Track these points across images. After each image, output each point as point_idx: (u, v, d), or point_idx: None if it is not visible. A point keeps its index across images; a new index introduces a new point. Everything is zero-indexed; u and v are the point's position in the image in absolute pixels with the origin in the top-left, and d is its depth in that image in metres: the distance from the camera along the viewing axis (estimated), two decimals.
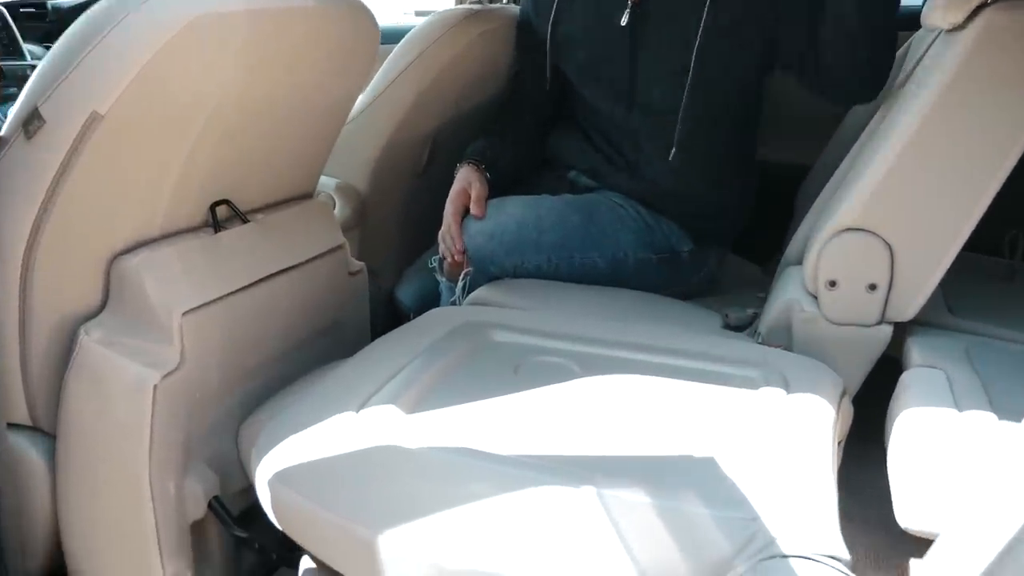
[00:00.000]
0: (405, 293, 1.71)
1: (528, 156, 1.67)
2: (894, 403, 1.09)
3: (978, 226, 1.13)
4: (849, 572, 0.73)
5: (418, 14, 2.73)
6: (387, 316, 1.71)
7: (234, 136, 1.05)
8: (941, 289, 1.28)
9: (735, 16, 1.43)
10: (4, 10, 2.21)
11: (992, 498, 0.57)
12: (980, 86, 1.07)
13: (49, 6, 2.90)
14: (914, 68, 1.25)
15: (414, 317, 1.60)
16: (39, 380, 1.01)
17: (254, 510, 1.12)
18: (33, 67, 1.05)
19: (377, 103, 1.61)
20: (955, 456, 0.95)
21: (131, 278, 0.98)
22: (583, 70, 1.59)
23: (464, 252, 1.46)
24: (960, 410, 1.00)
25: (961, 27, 1.08)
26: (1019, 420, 0.92)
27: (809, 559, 0.73)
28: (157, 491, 0.99)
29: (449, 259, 1.49)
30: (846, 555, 0.76)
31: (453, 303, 1.49)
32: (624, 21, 1.49)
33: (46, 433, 1.03)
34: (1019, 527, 0.51)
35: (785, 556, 0.74)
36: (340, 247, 1.32)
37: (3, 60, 2.10)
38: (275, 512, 0.90)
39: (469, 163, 1.54)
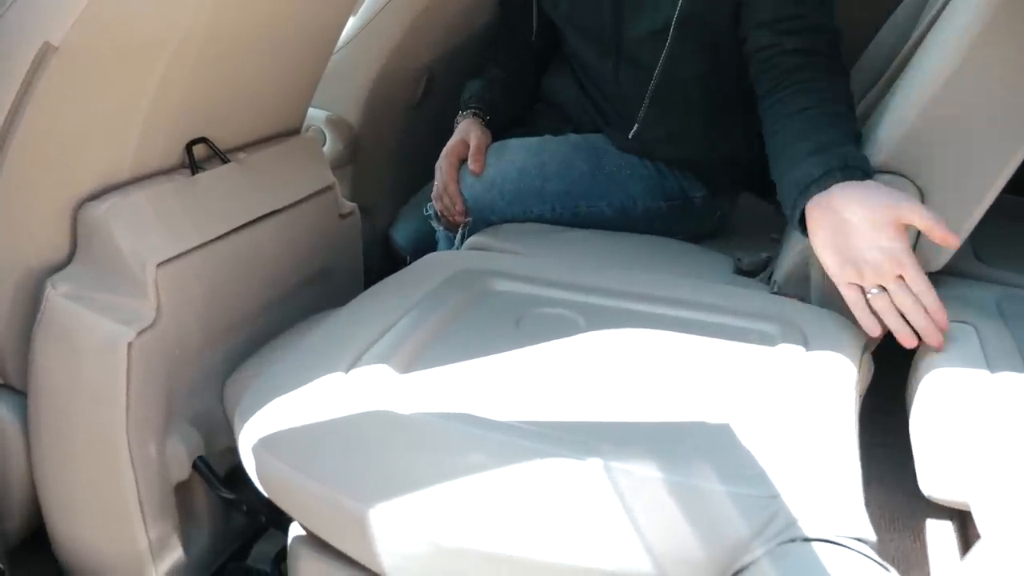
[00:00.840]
0: (401, 233, 1.63)
1: (527, 94, 1.56)
2: (919, 360, 1.02)
3: None
4: (876, 556, 0.68)
5: None
6: (382, 258, 1.64)
7: (208, 66, 0.95)
8: (970, 234, 1.21)
9: None
10: None
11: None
12: (1004, 36, 0.96)
13: None
14: (931, 23, 1.14)
15: (411, 259, 1.53)
16: (5, 335, 0.94)
17: (241, 470, 1.07)
18: None
19: (368, 29, 1.50)
20: (985, 420, 0.89)
21: (99, 226, 0.91)
22: (568, 20, 1.45)
23: (464, 205, 1.38)
24: (992, 371, 0.93)
25: None
26: None
27: (833, 543, 0.68)
28: (136, 453, 0.94)
29: (448, 217, 1.41)
30: (872, 536, 0.70)
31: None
32: None
33: (16, 391, 0.97)
34: None
35: (807, 539, 0.68)
36: (330, 187, 1.23)
37: None
38: (260, 479, 0.85)
39: (469, 112, 1.45)
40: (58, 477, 0.96)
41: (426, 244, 1.55)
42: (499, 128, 1.46)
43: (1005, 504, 0.76)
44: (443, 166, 1.40)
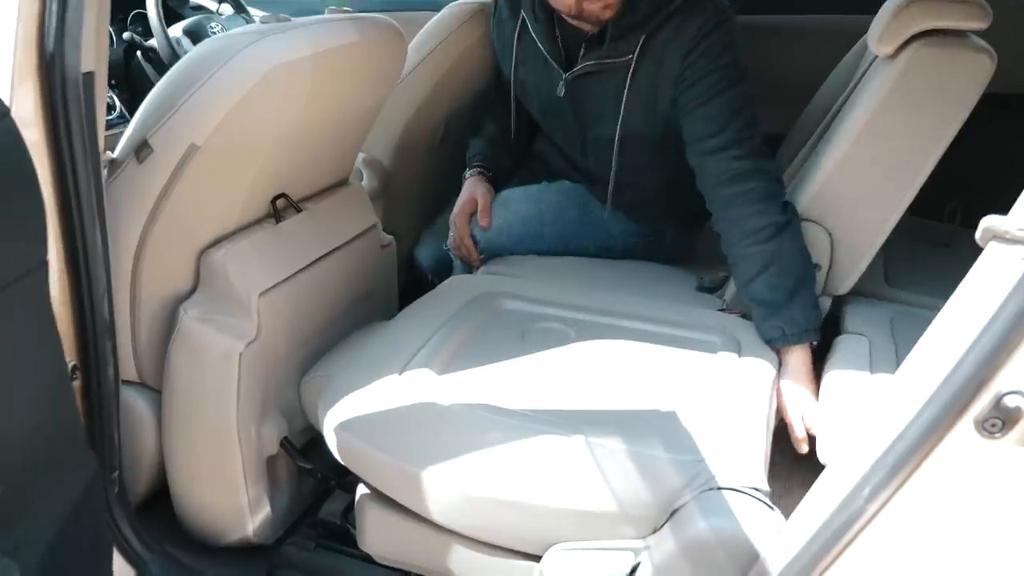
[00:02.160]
0: (423, 254, 1.95)
1: (523, 149, 1.87)
2: (826, 362, 1.36)
3: (926, 195, 1.37)
4: (765, 499, 1.01)
5: None
6: (407, 274, 1.96)
7: (293, 147, 1.28)
8: (883, 255, 1.53)
9: (650, 92, 1.53)
10: None
11: (841, 461, 0.84)
12: (905, 105, 1.29)
13: None
14: (858, 81, 1.47)
15: (431, 276, 1.87)
16: (146, 347, 1.27)
17: (312, 445, 1.41)
18: None
19: (400, 89, 1.82)
20: (860, 406, 1.23)
21: (217, 268, 1.23)
22: (541, 118, 1.76)
23: (477, 252, 1.70)
24: (872, 372, 1.27)
25: (893, 56, 1.30)
26: None
27: (737, 490, 1.01)
28: (242, 435, 1.27)
29: (465, 261, 1.72)
30: (766, 487, 1.04)
31: None
32: (561, 93, 1.62)
33: (151, 388, 1.30)
34: (854, 481, 0.78)
35: (720, 488, 1.02)
36: (374, 226, 1.56)
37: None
38: (340, 452, 1.18)
39: (475, 170, 1.76)
40: (184, 452, 1.29)
41: (444, 265, 1.88)
42: (501, 180, 1.78)
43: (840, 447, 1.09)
44: (457, 222, 1.72)
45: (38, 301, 0.89)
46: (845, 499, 0.79)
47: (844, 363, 1.30)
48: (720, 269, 1.71)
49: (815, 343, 1.35)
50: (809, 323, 1.34)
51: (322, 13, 2.55)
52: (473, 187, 1.75)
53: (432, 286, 1.83)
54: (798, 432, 1.28)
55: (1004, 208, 1.63)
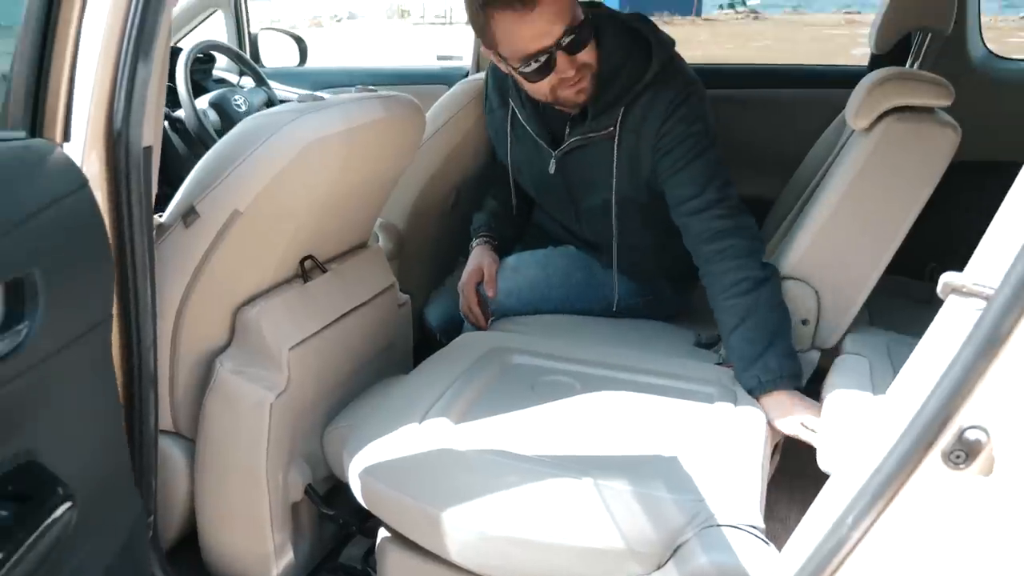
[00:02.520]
0: (432, 314, 2.05)
1: (523, 221, 1.99)
2: (827, 379, 1.44)
3: (906, 257, 1.48)
4: (761, 535, 1.10)
5: (440, 58, 3.10)
6: (417, 331, 2.06)
7: (324, 214, 1.40)
8: (868, 310, 1.64)
9: (633, 161, 1.64)
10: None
11: (828, 494, 0.93)
12: (881, 173, 1.42)
13: None
14: (838, 152, 1.60)
15: (439, 334, 1.97)
16: (182, 398, 1.36)
17: (333, 493, 1.49)
18: None
19: (415, 158, 1.95)
20: (859, 419, 1.31)
21: (252, 324, 1.34)
22: (535, 194, 1.89)
23: (485, 320, 1.81)
24: (874, 393, 1.36)
25: (868, 130, 1.43)
26: None
27: (735, 527, 1.10)
28: (271, 481, 1.35)
29: (476, 325, 1.83)
30: (761, 524, 1.12)
31: None
32: (552, 170, 1.73)
33: (185, 437, 1.39)
34: (840, 510, 0.87)
35: (720, 525, 1.10)
36: (392, 286, 1.67)
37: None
38: (364, 497, 1.26)
39: (481, 239, 1.88)
40: (215, 498, 1.37)
41: (452, 324, 1.98)
42: (505, 248, 1.90)
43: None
44: (465, 291, 1.83)
45: (103, 350, 0.99)
46: (832, 528, 0.87)
47: (845, 378, 1.40)
48: (716, 327, 1.82)
49: (798, 388, 1.44)
50: (783, 371, 1.42)
51: (333, 86, 2.73)
52: (480, 256, 1.87)
53: (440, 344, 1.94)
54: (807, 439, 1.36)
55: None
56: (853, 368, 1.45)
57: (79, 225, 0.91)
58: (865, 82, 1.44)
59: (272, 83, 2.60)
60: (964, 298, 0.84)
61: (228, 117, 2.35)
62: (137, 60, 1.05)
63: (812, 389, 1.58)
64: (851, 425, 1.30)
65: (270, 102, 2.56)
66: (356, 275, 1.58)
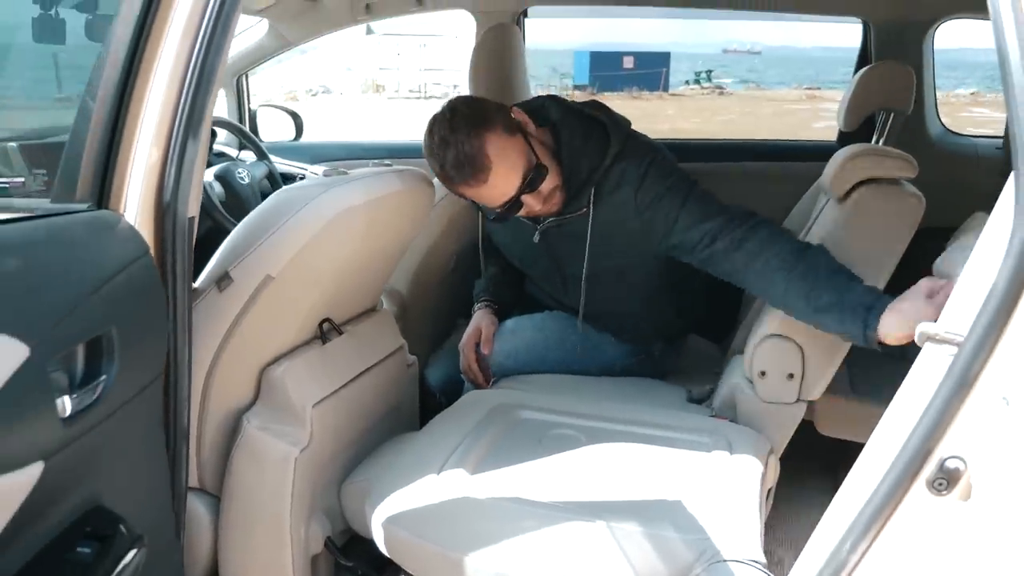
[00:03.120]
0: (432, 375, 2.13)
1: (520, 285, 2.11)
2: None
3: None
4: (764, 569, 1.18)
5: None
6: (419, 392, 2.14)
7: (344, 279, 1.50)
8: (848, 366, 1.76)
9: (608, 231, 1.72)
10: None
11: (825, 524, 1.02)
12: (856, 239, 1.56)
13: None
14: (815, 219, 1.74)
15: (439, 395, 2.05)
16: (209, 455, 1.43)
17: (349, 545, 1.55)
18: None
19: None
20: None
21: (277, 383, 1.42)
22: (521, 265, 2.00)
23: (484, 378, 1.91)
24: None
25: (843, 199, 1.58)
26: None
27: (740, 562, 1.19)
28: (294, 534, 1.42)
29: (476, 384, 1.92)
30: (763, 559, 1.21)
31: None
32: (536, 239, 1.83)
33: (210, 493, 1.45)
34: (838, 538, 0.96)
35: (725, 560, 1.19)
36: (401, 347, 1.76)
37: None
38: (386, 545, 1.33)
39: (481, 303, 1.99)
40: (239, 551, 1.43)
41: (452, 385, 2.06)
42: (505, 311, 2.01)
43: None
44: (465, 351, 1.93)
45: (156, 405, 1.07)
46: (832, 552, 0.97)
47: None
48: (706, 382, 1.93)
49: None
50: (872, 299, 1.40)
51: (332, 159, 2.86)
52: (479, 319, 1.97)
53: (440, 403, 2.03)
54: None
55: None
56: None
57: (144, 288, 1.00)
58: (839, 156, 1.59)
59: (272, 157, 2.72)
60: (938, 345, 0.96)
61: (232, 189, 2.46)
62: (187, 138, 1.16)
63: (808, 440, 1.69)
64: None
65: (271, 175, 2.68)
66: (369, 337, 1.67)
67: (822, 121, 16.63)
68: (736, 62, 56.98)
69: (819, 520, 1.53)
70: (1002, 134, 2.00)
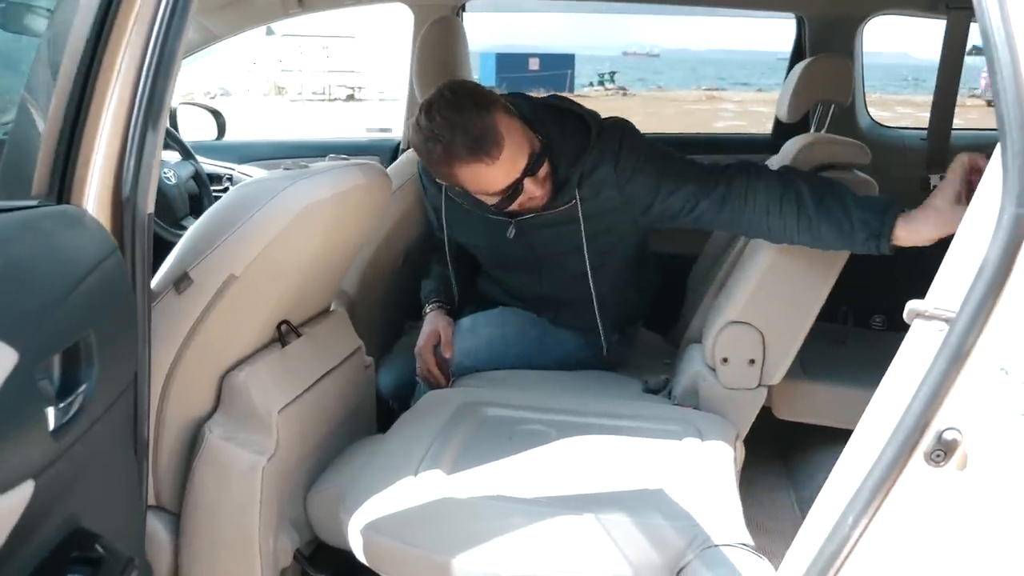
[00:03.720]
0: (383, 379, 2.06)
1: (470, 283, 2.06)
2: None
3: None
4: (754, 551, 1.19)
5: (369, 130, 3.18)
6: None
7: (307, 277, 1.43)
8: (798, 353, 1.81)
9: (599, 217, 1.72)
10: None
11: (825, 499, 1.04)
12: None
13: None
14: None
15: (391, 400, 2.00)
16: (166, 469, 1.34)
17: (315, 556, 1.49)
18: None
19: None
20: None
21: (240, 389, 1.34)
22: (491, 265, 1.96)
23: (445, 380, 1.86)
24: None
25: None
26: None
27: (730, 545, 1.19)
28: (263, 547, 1.34)
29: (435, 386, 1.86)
30: (751, 541, 1.22)
31: None
32: (511, 235, 1.79)
33: (167, 511, 1.36)
34: (839, 512, 0.98)
35: (717, 545, 1.19)
36: (359, 349, 1.70)
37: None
38: (366, 553, 1.28)
39: (433, 305, 1.94)
40: (204, 569, 1.34)
41: (403, 388, 2.01)
42: (457, 312, 1.96)
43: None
44: (423, 355, 1.86)
45: (128, 414, 0.99)
46: (834, 528, 0.98)
47: None
48: (658, 373, 1.95)
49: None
50: (880, 210, 1.42)
51: (260, 159, 2.76)
52: (434, 321, 1.91)
53: (392, 409, 1.97)
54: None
55: (882, 308, 2.03)
56: None
57: (115, 289, 0.93)
58: (793, 146, 1.63)
59: (200, 157, 2.60)
60: (927, 321, 0.98)
61: (158, 190, 2.33)
62: (147, 128, 1.08)
63: (761, 424, 1.72)
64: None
65: (197, 175, 2.55)
66: (327, 339, 1.61)
67: (722, 121, 17.26)
68: (636, 65, 58.37)
69: (779, 502, 1.58)
70: (925, 127, 2.10)
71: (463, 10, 2.54)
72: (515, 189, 1.64)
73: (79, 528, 0.84)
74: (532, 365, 1.91)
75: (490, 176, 1.61)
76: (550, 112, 1.74)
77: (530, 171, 1.63)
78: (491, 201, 1.68)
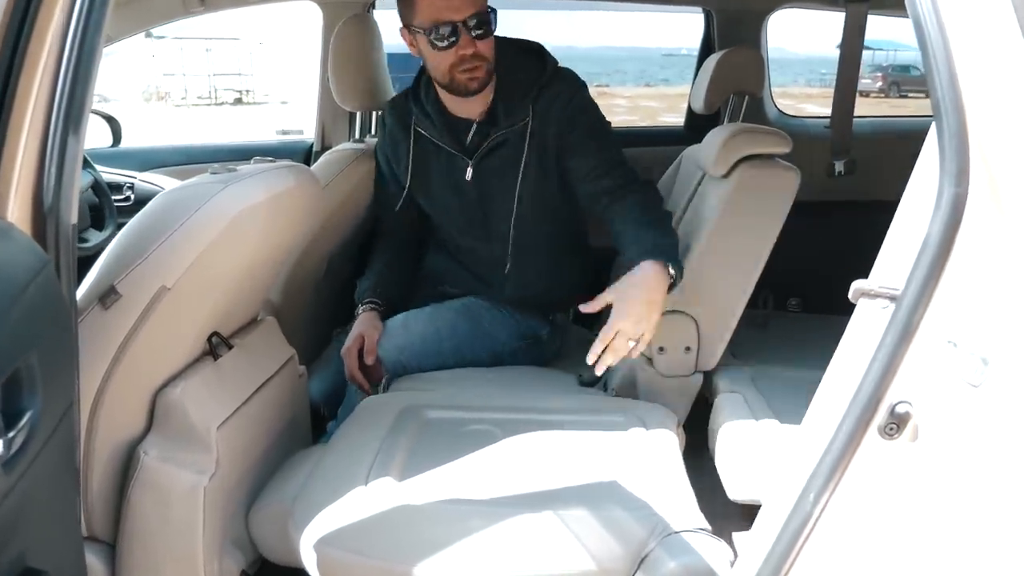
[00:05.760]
0: (314, 386, 2.00)
1: (409, 277, 2.06)
2: (713, 419, 1.62)
3: None
4: (713, 535, 1.22)
5: (282, 132, 3.07)
6: None
7: (238, 286, 1.37)
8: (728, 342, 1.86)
9: (546, 155, 1.84)
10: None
11: (785, 478, 1.07)
12: (740, 214, 1.65)
13: None
14: (688, 202, 1.82)
15: (322, 408, 1.94)
16: (97, 497, 1.25)
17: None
18: None
19: None
20: (755, 449, 1.49)
21: (176, 406, 1.27)
22: (443, 214, 1.99)
23: (368, 386, 1.84)
24: (756, 419, 1.55)
25: (725, 176, 1.66)
26: (791, 422, 1.47)
27: (690, 531, 1.21)
28: (207, 571, 1.28)
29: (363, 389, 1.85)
30: (708, 526, 1.24)
31: None
32: (468, 176, 1.89)
33: (100, 541, 1.27)
34: (799, 490, 1.01)
35: (677, 532, 1.21)
36: (292, 358, 1.64)
37: None
38: (321, 568, 1.23)
39: (366, 306, 1.91)
40: None
41: (335, 396, 1.96)
42: (392, 310, 1.93)
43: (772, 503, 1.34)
44: (348, 359, 1.84)
45: (68, 440, 0.92)
46: (796, 504, 1.01)
47: (730, 415, 1.58)
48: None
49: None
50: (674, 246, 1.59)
51: (168, 165, 2.63)
52: (363, 324, 1.88)
53: (323, 416, 1.92)
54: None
55: (797, 292, 2.11)
56: (733, 405, 1.65)
57: (52, 306, 0.86)
58: (717, 137, 1.67)
59: (99, 166, 2.45)
60: (872, 300, 1.03)
61: None
62: (68, 133, 1.01)
63: (697, 413, 1.76)
64: (749, 454, 1.49)
65: (97, 184, 2.40)
66: (259, 349, 1.55)
67: (615, 115, 17.58)
68: None
69: (721, 487, 1.62)
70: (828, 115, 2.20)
71: (373, 7, 2.49)
72: (453, 32, 1.73)
73: (28, 568, 0.77)
74: (466, 359, 1.89)
75: (438, 2, 1.72)
76: (511, 43, 1.88)
77: (471, 28, 1.74)
78: (433, 42, 1.76)
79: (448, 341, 1.88)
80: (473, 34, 1.75)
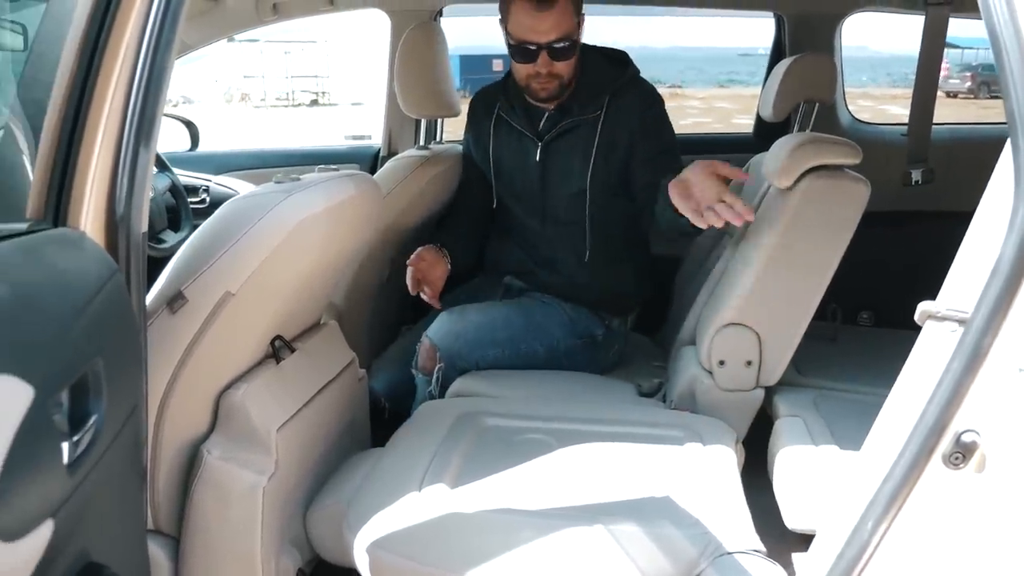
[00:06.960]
0: (378, 383, 2.05)
1: (473, 250, 2.13)
2: (772, 443, 1.58)
3: None
4: (767, 557, 1.19)
5: (348, 137, 3.14)
6: None
7: (301, 291, 1.40)
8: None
9: (615, 151, 1.92)
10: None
11: (843, 504, 1.04)
12: (806, 226, 1.61)
13: None
14: (758, 204, 1.78)
15: (385, 400, 1.98)
16: (163, 493, 1.30)
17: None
18: None
19: None
20: (814, 478, 1.45)
21: (238, 408, 1.31)
22: (508, 188, 2.06)
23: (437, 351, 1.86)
24: (816, 446, 1.51)
25: (791, 188, 1.62)
26: (852, 448, 1.42)
27: (743, 553, 1.19)
28: (265, 569, 1.31)
29: (428, 292, 1.93)
30: (763, 548, 1.22)
31: (430, 393, 1.87)
32: (537, 158, 1.97)
33: (166, 535, 1.32)
34: (857, 518, 0.98)
35: (730, 553, 1.19)
36: (353, 361, 1.67)
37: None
38: (373, 571, 1.25)
39: (437, 246, 1.99)
40: None
41: (399, 390, 1.99)
42: (456, 271, 2.00)
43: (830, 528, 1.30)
44: (414, 264, 1.93)
45: (134, 441, 0.96)
46: (853, 532, 0.98)
47: (789, 440, 1.54)
48: (652, 376, 1.94)
49: None
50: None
51: (241, 169, 2.71)
52: (431, 253, 1.97)
53: (386, 412, 1.95)
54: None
55: (868, 305, 2.03)
56: (792, 430, 1.61)
57: (120, 313, 0.90)
58: (783, 147, 1.63)
59: (176, 169, 2.54)
60: (939, 322, 0.98)
61: None
62: (139, 145, 1.05)
63: (760, 429, 1.72)
64: (808, 482, 1.45)
65: (174, 187, 2.50)
66: (320, 353, 1.58)
67: (689, 118, 17.37)
68: None
69: (777, 505, 1.58)
70: (905, 123, 2.11)
71: (440, 15, 2.51)
72: (533, 53, 1.85)
73: (91, 563, 0.81)
74: (520, 349, 1.91)
75: (526, 22, 1.84)
76: (601, 52, 2.01)
77: (552, 52, 1.85)
78: (513, 53, 1.90)
79: (502, 331, 1.90)
80: (552, 57, 1.86)
